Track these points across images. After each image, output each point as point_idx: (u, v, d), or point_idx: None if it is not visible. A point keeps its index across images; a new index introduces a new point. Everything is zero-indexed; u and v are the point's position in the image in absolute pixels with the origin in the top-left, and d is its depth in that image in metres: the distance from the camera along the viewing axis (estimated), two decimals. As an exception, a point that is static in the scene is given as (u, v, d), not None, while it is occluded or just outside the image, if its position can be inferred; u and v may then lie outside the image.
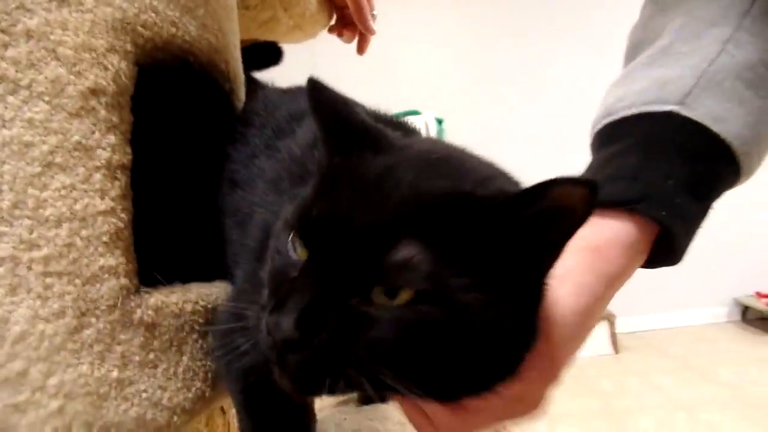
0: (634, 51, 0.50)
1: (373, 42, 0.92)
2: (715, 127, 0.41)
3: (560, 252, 0.34)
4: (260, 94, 0.66)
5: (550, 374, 0.38)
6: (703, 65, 0.42)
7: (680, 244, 0.43)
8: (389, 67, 3.22)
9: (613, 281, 0.41)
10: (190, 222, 0.54)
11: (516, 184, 0.38)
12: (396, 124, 0.52)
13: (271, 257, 0.37)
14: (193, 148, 0.55)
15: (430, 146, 0.41)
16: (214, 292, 0.50)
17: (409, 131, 0.52)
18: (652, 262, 0.45)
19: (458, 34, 3.43)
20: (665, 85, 0.43)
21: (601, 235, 0.42)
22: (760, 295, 3.30)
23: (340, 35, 0.93)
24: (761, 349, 2.97)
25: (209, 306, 0.49)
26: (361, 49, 0.94)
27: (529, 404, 0.39)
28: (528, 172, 0.38)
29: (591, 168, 0.48)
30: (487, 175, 0.36)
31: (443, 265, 0.31)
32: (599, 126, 0.48)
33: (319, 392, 0.32)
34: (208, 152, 0.57)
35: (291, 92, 0.65)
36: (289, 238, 0.35)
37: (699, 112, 0.42)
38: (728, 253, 3.36)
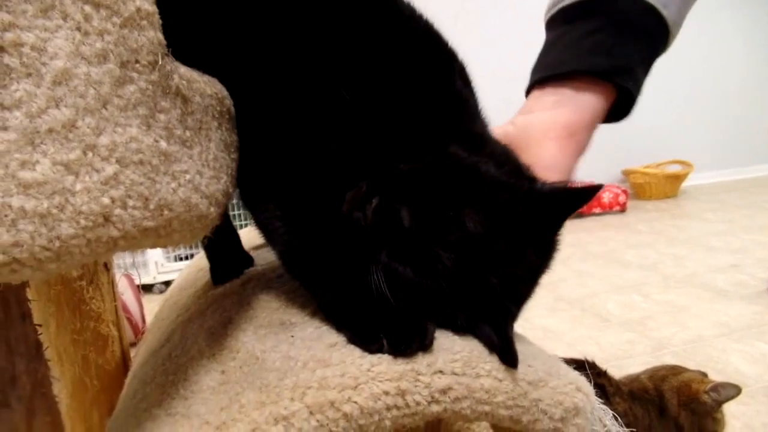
0: None
1: None
2: (664, 12, 0.51)
3: None
4: None
5: None
6: None
7: (631, 107, 0.54)
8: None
9: (581, 155, 0.52)
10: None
11: None
12: None
13: None
14: None
15: None
16: (218, 83, 0.43)
17: None
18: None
19: None
20: None
21: (578, 118, 0.51)
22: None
23: None
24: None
25: (219, 95, 0.42)
26: None
27: None
28: None
29: (567, 40, 0.54)
30: None
31: None
32: (570, 1, 0.54)
33: None
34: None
35: None
36: None
37: None
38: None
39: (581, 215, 3.70)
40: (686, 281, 2.37)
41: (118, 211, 0.30)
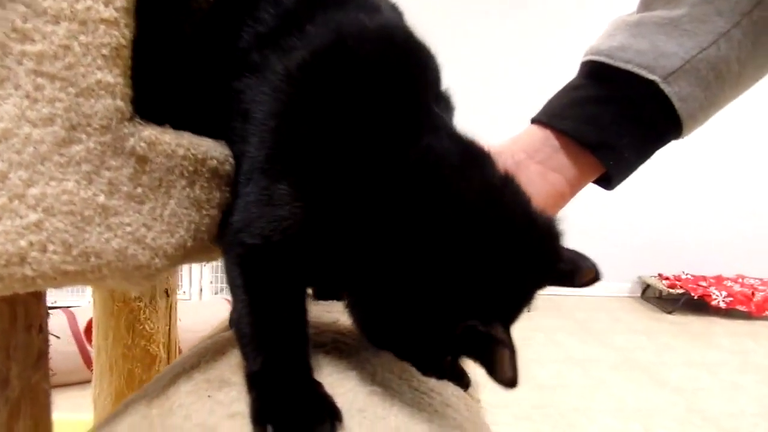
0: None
1: None
2: (678, 105, 0.52)
3: None
4: None
5: None
6: (694, 52, 0.51)
7: (615, 183, 0.57)
8: None
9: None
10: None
11: None
12: None
13: None
14: None
15: None
16: (205, 145, 0.47)
17: None
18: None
19: None
20: (660, 57, 0.52)
21: (564, 180, 0.56)
22: (661, 276, 3.65)
23: None
24: (652, 322, 3.31)
25: (199, 156, 0.46)
26: None
27: None
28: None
29: (576, 96, 0.58)
30: None
31: None
32: (597, 58, 0.56)
33: None
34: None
35: None
36: None
37: (673, 89, 0.52)
38: (638, 237, 3.71)
39: (749, 316, 3.14)
40: None
41: (34, 254, 0.34)
